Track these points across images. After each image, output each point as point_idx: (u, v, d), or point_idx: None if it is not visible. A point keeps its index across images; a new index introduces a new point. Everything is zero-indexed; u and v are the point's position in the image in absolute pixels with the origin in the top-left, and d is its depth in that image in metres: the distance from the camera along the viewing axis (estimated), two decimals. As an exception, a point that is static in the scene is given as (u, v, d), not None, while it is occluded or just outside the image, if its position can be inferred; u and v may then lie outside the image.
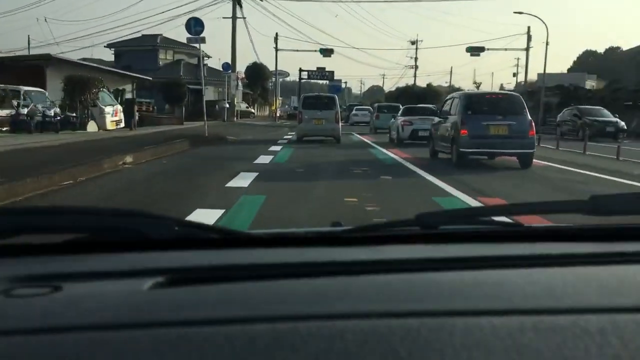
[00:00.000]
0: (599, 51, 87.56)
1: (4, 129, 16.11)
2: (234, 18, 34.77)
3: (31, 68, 21.11)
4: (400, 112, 19.70)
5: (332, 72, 47.92)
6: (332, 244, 1.04)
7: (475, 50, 43.06)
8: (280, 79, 54.36)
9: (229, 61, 35.62)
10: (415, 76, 61.66)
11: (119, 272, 0.84)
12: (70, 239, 0.97)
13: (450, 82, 71.35)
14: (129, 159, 10.48)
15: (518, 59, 63.70)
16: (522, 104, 10.95)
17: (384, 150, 14.96)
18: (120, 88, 25.50)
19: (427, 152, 13.37)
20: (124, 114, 20.98)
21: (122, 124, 20.57)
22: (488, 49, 42.89)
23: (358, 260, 0.91)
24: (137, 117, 22.97)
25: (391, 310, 0.66)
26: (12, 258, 0.91)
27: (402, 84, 69.77)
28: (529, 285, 0.76)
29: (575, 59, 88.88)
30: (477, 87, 61.46)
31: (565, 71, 68.57)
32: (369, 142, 19.18)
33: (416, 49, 61.81)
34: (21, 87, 17.48)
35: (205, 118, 18.19)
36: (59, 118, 17.24)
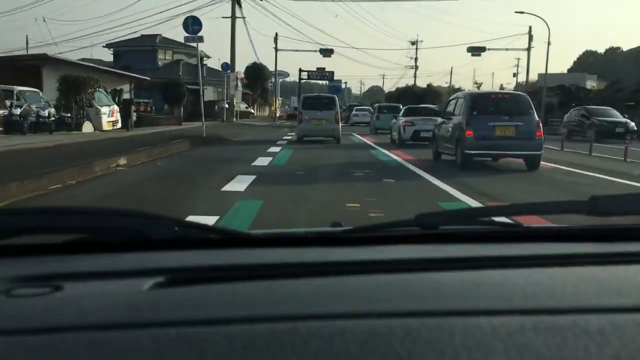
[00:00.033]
0: (599, 51, 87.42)
1: (-3, 129, 15.78)
2: (233, 17, 34.45)
3: (28, 68, 20.81)
4: (401, 112, 19.36)
5: (332, 73, 47.75)
6: (332, 244, 1.03)
7: (476, 50, 42.74)
8: (280, 79, 54.17)
9: (229, 61, 35.27)
10: (415, 76, 61.32)
11: (119, 272, 0.84)
12: (71, 239, 0.97)
13: (450, 82, 71.04)
14: (122, 161, 10.14)
15: (518, 59, 63.46)
16: (529, 104, 10.60)
17: (386, 152, 14.62)
18: (118, 88, 25.14)
19: (430, 153, 13.03)
20: (122, 115, 20.67)
21: (119, 125, 20.22)
22: (489, 49, 42.57)
23: (358, 261, 0.91)
24: (134, 118, 22.68)
25: (391, 310, 0.66)
26: (13, 258, 0.91)
27: (402, 85, 69.49)
28: (528, 285, 0.76)
29: (575, 59, 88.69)
30: (478, 87, 61.23)
31: (566, 71, 68.33)
32: (370, 143, 18.83)
33: (416, 49, 61.51)
34: (14, 87, 17.12)
35: (204, 119, 17.87)
36: (53, 118, 16.88)
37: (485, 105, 10.48)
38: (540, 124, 10.37)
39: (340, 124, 18.17)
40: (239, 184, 7.78)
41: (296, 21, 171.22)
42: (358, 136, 23.19)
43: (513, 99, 10.83)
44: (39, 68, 21.12)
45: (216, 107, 36.22)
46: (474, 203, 6.51)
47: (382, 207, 6.00)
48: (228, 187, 7.46)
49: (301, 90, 41.74)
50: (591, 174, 10.07)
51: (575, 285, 0.77)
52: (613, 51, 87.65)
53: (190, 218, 5.24)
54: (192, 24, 16.82)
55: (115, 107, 20.45)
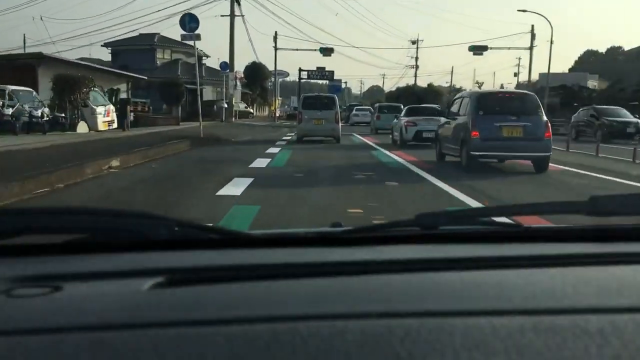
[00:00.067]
0: (600, 51, 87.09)
1: (-12, 130, 15.38)
2: (232, 16, 34.05)
3: (23, 67, 20.46)
4: (403, 112, 18.97)
5: (332, 72, 47.41)
6: (332, 244, 1.03)
7: (478, 49, 42.35)
8: (280, 79, 53.87)
9: (228, 60, 34.87)
10: (415, 76, 60.83)
11: (119, 272, 0.84)
12: (71, 239, 0.97)
13: (451, 82, 70.62)
14: (115, 162, 9.77)
15: (519, 58, 63.12)
16: (537, 103, 10.18)
17: (387, 153, 14.24)
18: (115, 88, 24.77)
19: (433, 154, 12.66)
20: (118, 115, 20.28)
21: (115, 125, 19.82)
22: (491, 48, 42.19)
23: (358, 261, 0.92)
24: (131, 118, 22.31)
25: (391, 311, 0.66)
26: (13, 258, 0.91)
27: (402, 84, 68.93)
28: (529, 285, 0.76)
29: (576, 58, 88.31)
30: (479, 87, 60.78)
31: (567, 71, 67.98)
32: (371, 143, 18.45)
33: (417, 48, 61.05)
34: (7, 86, 16.71)
35: (201, 119, 17.50)
36: (47, 118, 16.47)
37: (491, 104, 10.07)
38: (549, 124, 9.97)
39: (340, 124, 18.14)
40: (235, 187, 7.40)
41: (296, 20, 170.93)
42: (358, 136, 22.81)
43: (520, 99, 10.40)
44: (35, 67, 20.82)
45: (215, 107, 35.87)
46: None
47: (386, 213, 5.63)
48: (224, 191, 7.09)
49: (301, 90, 41.45)
50: (603, 176, 9.67)
51: (575, 285, 0.76)
52: (614, 50, 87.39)
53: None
54: (189, 22, 16.43)
55: (111, 107, 20.05)
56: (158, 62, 44.13)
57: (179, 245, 0.97)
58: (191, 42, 17.14)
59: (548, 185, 8.51)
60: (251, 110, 50.62)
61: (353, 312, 0.65)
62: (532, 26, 40.96)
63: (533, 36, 40.66)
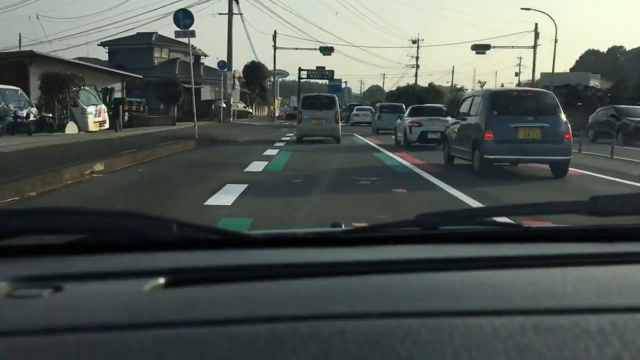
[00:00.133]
0: (601, 50, 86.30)
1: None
2: (230, 14, 33.29)
3: (14, 66, 19.71)
4: (407, 112, 18.21)
5: (332, 72, 46.79)
6: (332, 244, 1.04)
7: (480, 48, 41.62)
8: (280, 79, 53.23)
9: (226, 59, 34.10)
10: (416, 75, 60.00)
11: (119, 272, 0.84)
12: (71, 240, 0.97)
13: (452, 81, 69.83)
14: (99, 166, 9.01)
15: (521, 57, 62.40)
16: (556, 102, 9.37)
17: (391, 155, 13.47)
18: (109, 87, 23.98)
19: (440, 156, 11.90)
20: (112, 114, 19.52)
21: (107, 125, 19.02)
22: (494, 47, 41.42)
23: (358, 261, 0.92)
24: (126, 118, 21.56)
25: (391, 311, 0.66)
26: (13, 259, 0.91)
27: (402, 84, 67.97)
28: (529, 285, 0.76)
29: (577, 58, 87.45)
30: (482, 87, 60.01)
31: (568, 70, 67.21)
32: (373, 144, 17.71)
33: (417, 47, 60.25)
34: (-10, 85, 15.92)
35: (195, 119, 16.74)
36: (34, 119, 15.68)
37: (506, 104, 9.27)
38: (569, 125, 9.19)
39: (340, 124, 18.02)
40: (226, 195, 6.65)
41: (295, 18, 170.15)
42: (360, 137, 22.06)
43: (537, 97, 9.57)
44: (26, 66, 20.08)
45: (213, 106, 35.14)
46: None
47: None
48: (213, 200, 6.34)
49: (301, 90, 40.86)
50: (629, 182, 8.92)
51: (576, 285, 0.76)
52: (616, 50, 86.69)
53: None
54: (183, 18, 15.68)
55: (103, 107, 19.24)
56: (155, 62, 43.53)
57: (179, 245, 0.96)
58: (185, 40, 16.35)
59: (572, 193, 7.73)
60: (250, 110, 49.90)
61: (353, 312, 0.65)
62: (536, 24, 40.19)
63: (537, 35, 39.88)
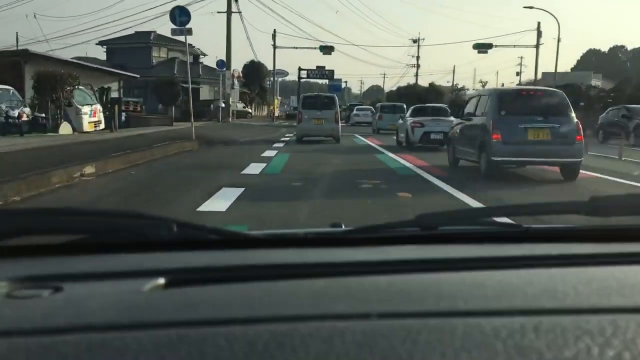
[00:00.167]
0: (602, 50, 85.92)
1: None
2: (228, 12, 32.88)
3: (10, 65, 19.31)
4: (409, 112, 17.84)
5: (332, 71, 46.43)
6: (332, 244, 1.03)
7: (482, 47, 41.17)
8: (279, 78, 52.81)
9: (225, 58, 33.70)
10: (417, 75, 59.57)
11: (119, 273, 0.84)
12: (71, 240, 0.97)
13: (453, 81, 69.42)
14: (89, 169, 8.63)
15: (522, 57, 62.05)
16: (566, 102, 8.97)
17: (394, 156, 13.08)
18: (106, 86, 23.58)
19: (444, 157, 11.52)
20: (108, 114, 19.12)
21: (102, 126, 18.62)
22: (496, 46, 41.01)
23: (358, 261, 0.91)
24: (123, 118, 21.17)
25: (391, 311, 0.66)
26: (13, 259, 0.91)
27: (403, 83, 67.51)
28: (529, 285, 0.75)
29: (578, 57, 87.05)
30: (483, 86, 59.54)
31: (568, 70, 66.83)
32: (374, 145, 17.32)
33: (418, 46, 59.82)
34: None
35: (192, 119, 16.33)
36: (27, 119, 15.27)
37: (514, 104, 8.88)
38: (580, 126, 8.80)
39: (340, 124, 17.93)
40: (220, 201, 6.27)
41: (295, 17, 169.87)
42: (360, 137, 21.67)
43: (547, 97, 9.17)
44: (21, 65, 19.68)
45: (212, 106, 34.75)
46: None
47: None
48: (206, 206, 5.96)
49: (300, 90, 40.49)
50: (642, 185, 8.55)
51: (576, 285, 0.75)
52: (617, 50, 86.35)
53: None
54: (180, 15, 15.24)
55: (99, 107, 18.83)
56: (154, 61, 43.18)
57: (179, 245, 0.96)
58: (182, 38, 15.95)
59: (586, 198, 7.35)
60: (249, 110, 49.51)
61: (353, 312, 0.65)
62: (539, 23, 39.77)
63: (539, 34, 39.46)
